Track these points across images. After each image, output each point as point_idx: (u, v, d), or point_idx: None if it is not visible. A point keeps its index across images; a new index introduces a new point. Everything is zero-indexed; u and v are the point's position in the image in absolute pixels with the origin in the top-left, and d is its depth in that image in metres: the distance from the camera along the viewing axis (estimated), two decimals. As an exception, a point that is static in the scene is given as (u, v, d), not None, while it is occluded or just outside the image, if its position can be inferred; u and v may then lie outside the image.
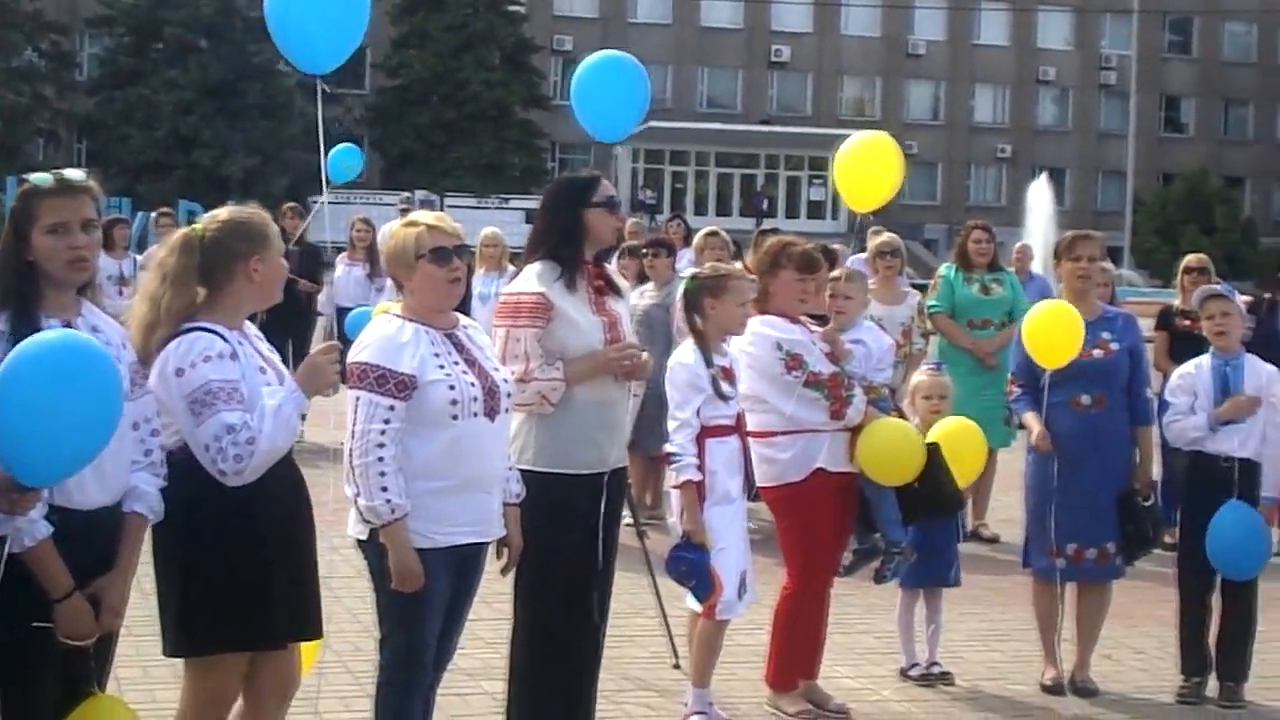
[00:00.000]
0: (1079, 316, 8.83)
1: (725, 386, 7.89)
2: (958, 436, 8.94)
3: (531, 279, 7.15)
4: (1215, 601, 9.14)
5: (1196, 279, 13.07)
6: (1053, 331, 8.83)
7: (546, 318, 7.05)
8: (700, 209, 69.01)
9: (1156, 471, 9.40)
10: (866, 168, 8.82)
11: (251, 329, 6.05)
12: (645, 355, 7.34)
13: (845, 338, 8.59)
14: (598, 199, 7.23)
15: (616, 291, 7.40)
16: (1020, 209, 65.04)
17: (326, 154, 15.09)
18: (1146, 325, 13.16)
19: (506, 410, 6.47)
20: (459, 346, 6.38)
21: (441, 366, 6.24)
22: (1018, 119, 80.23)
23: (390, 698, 6.37)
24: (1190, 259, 13.92)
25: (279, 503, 5.88)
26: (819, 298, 8.65)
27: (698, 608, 8.04)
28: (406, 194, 41.21)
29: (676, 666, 8.95)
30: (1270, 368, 9.21)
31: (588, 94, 8.49)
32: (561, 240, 7.21)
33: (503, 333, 7.09)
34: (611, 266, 7.71)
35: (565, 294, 7.11)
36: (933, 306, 13.67)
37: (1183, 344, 12.13)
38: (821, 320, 8.57)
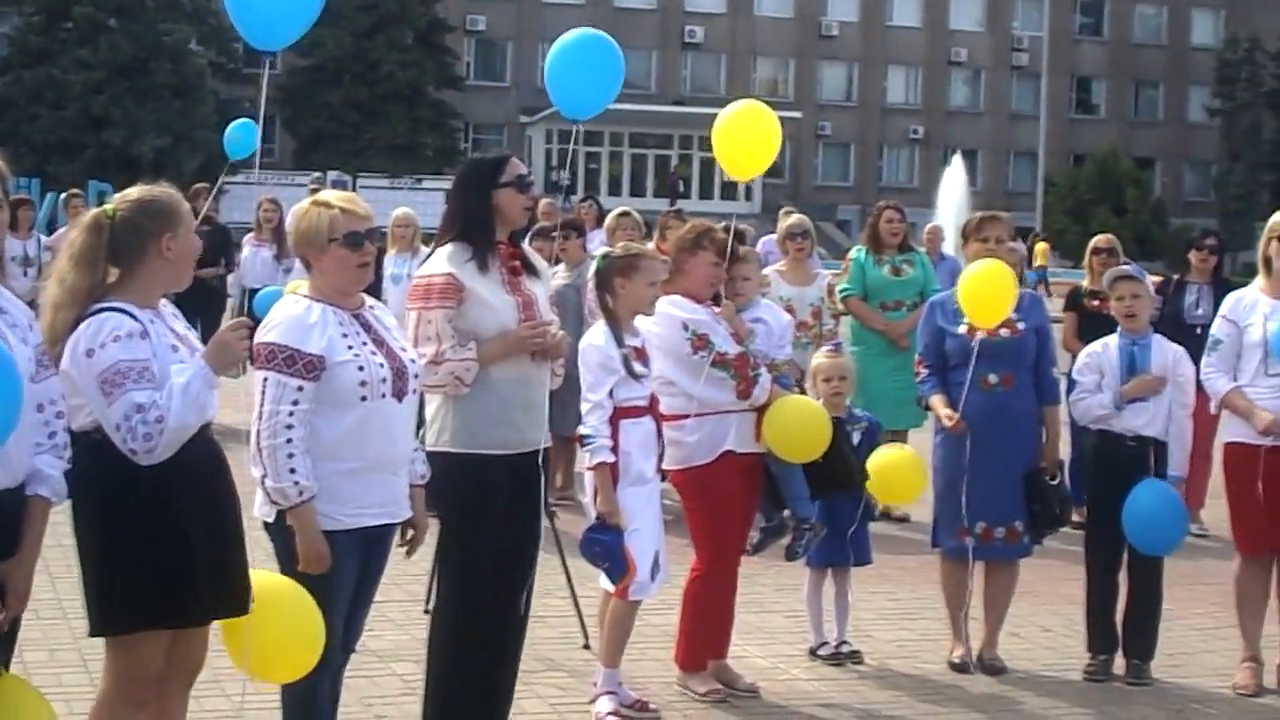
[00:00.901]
0: (1013, 276, 8.90)
1: (638, 366, 7.89)
2: (892, 470, 9.07)
3: (442, 260, 7.13)
4: (1122, 580, 9.23)
5: (1106, 260, 13.15)
6: (989, 288, 8.86)
7: (458, 299, 7.03)
8: (614, 190, 68.97)
9: (1064, 450, 9.48)
10: (744, 136, 8.86)
11: (168, 307, 6.02)
12: (560, 333, 7.33)
13: (745, 317, 8.62)
14: (507, 179, 7.21)
15: (533, 271, 7.37)
16: (932, 190, 65.37)
17: (249, 130, 15.07)
18: (1059, 304, 13.32)
19: (414, 391, 6.45)
20: (367, 327, 6.36)
21: (350, 347, 6.22)
22: (930, 100, 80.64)
23: (299, 680, 6.34)
24: (1099, 240, 14.00)
25: (199, 480, 5.84)
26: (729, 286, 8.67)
27: (610, 588, 8.05)
28: (318, 174, 41.00)
29: (587, 647, 8.96)
30: (1177, 348, 9.29)
31: (563, 71, 8.41)
32: (472, 221, 7.18)
33: (415, 315, 7.07)
34: (528, 247, 7.69)
35: (477, 275, 7.08)
36: (844, 290, 13.71)
37: (1091, 324, 12.21)
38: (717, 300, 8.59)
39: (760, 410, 8.38)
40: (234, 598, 5.97)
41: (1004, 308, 8.85)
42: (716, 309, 8.44)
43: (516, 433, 7.13)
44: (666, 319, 8.30)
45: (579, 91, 8.06)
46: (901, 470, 9.22)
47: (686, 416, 8.28)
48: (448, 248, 7.17)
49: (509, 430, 7.11)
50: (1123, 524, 8.87)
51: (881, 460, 9.11)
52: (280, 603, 6.04)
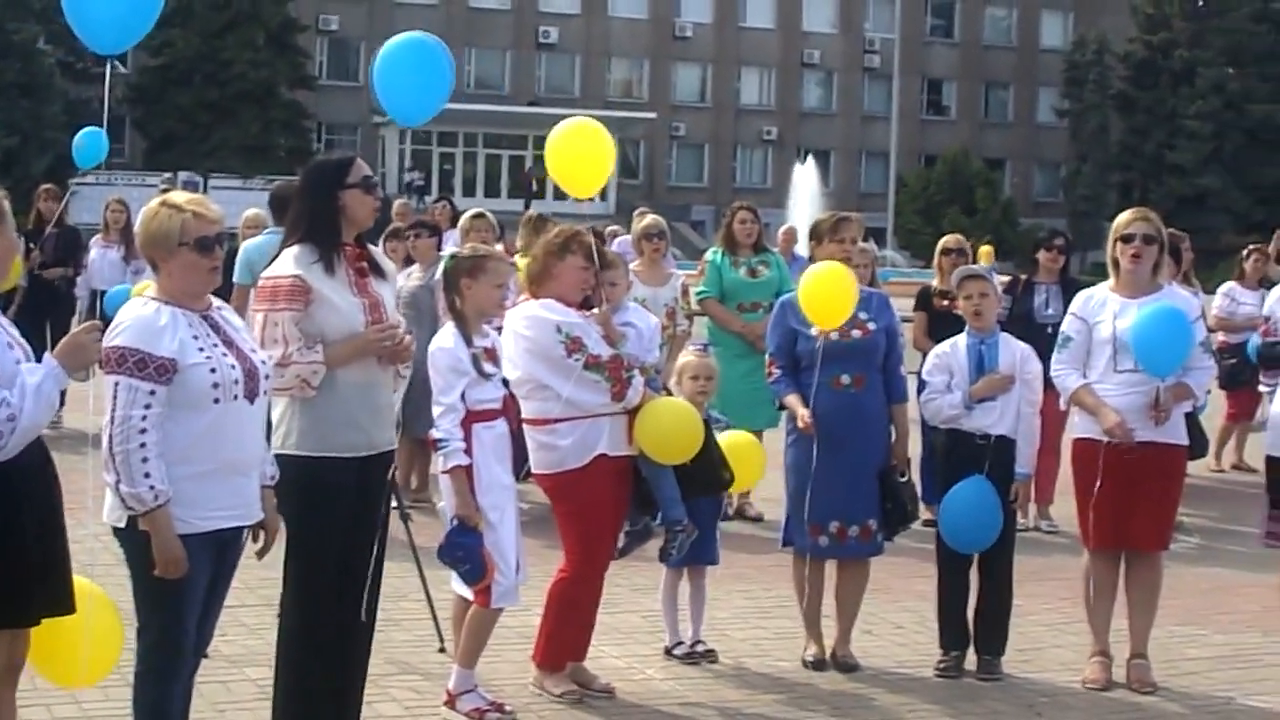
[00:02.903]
0: (853, 277, 8.97)
1: (488, 367, 7.88)
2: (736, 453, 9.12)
3: (288, 262, 7.07)
4: (973, 577, 9.33)
5: (955, 260, 13.29)
6: (829, 291, 8.92)
7: (304, 301, 6.98)
8: (469, 190, 68.84)
9: (914, 448, 9.57)
10: (577, 156, 8.90)
11: None
12: (408, 336, 7.30)
13: (615, 320, 8.62)
14: (353, 180, 7.15)
15: (380, 273, 7.34)
16: (786, 191, 65.86)
17: (92, 134, 14.83)
18: (910, 305, 13.45)
19: (265, 393, 6.42)
20: (216, 328, 6.32)
21: (201, 349, 6.17)
22: (783, 101, 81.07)
23: (150, 686, 6.29)
24: (948, 240, 14.14)
25: (31, 479, 5.83)
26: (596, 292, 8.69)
27: (466, 593, 8.04)
28: (168, 175, 40.56)
29: (442, 650, 8.93)
30: (1024, 346, 9.41)
31: (390, 76, 8.34)
32: (318, 223, 7.13)
33: (261, 317, 7.01)
34: (377, 248, 7.65)
35: (323, 277, 7.04)
36: (701, 292, 13.75)
37: (940, 324, 12.34)
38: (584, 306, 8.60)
39: (632, 413, 8.40)
40: (63, 597, 5.97)
41: (844, 310, 8.91)
42: (586, 313, 8.44)
43: (363, 436, 7.10)
44: (539, 322, 8.29)
45: (408, 97, 8.00)
46: (743, 451, 9.25)
47: (556, 420, 8.28)
48: (294, 250, 7.11)
49: (355, 433, 7.08)
50: (939, 521, 9.02)
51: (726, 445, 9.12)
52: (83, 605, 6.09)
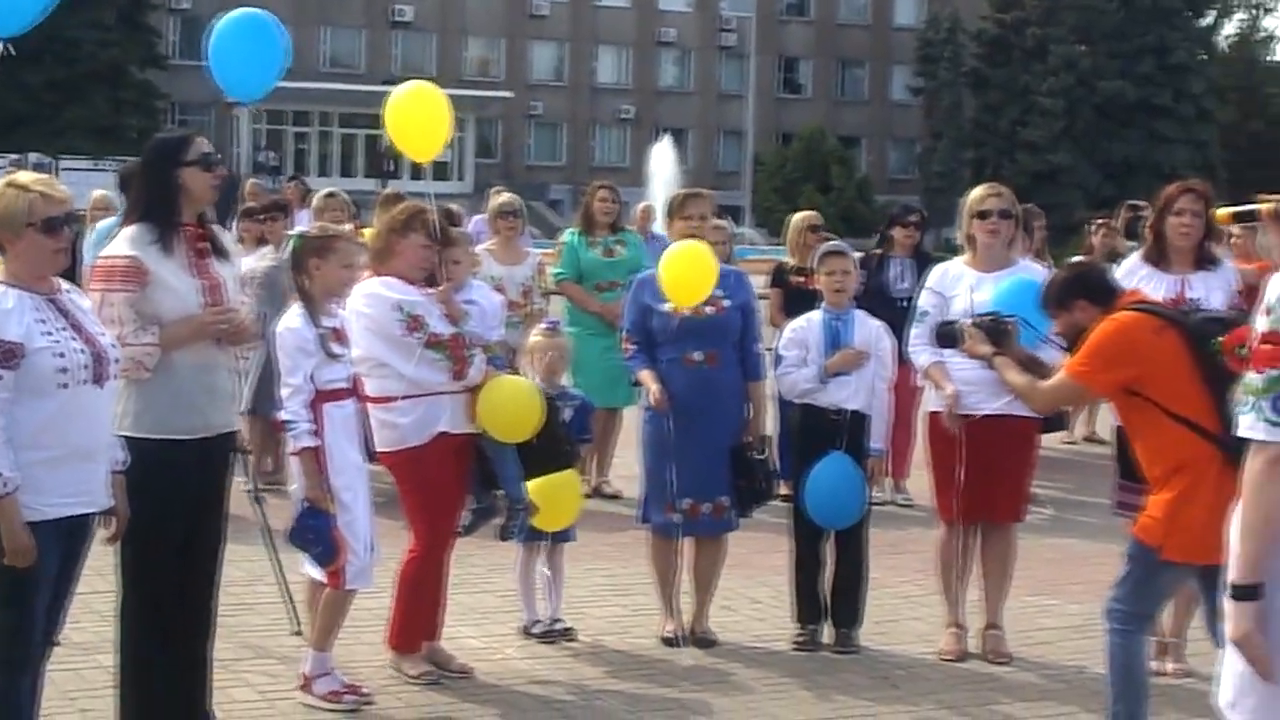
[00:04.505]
0: (713, 257, 8.97)
1: (335, 347, 7.83)
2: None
3: (124, 242, 6.99)
4: (829, 550, 9.38)
5: (823, 236, 13.33)
6: (688, 270, 8.92)
7: (140, 281, 6.89)
8: (324, 170, 68.39)
9: (770, 426, 9.61)
10: (416, 119, 8.88)
11: None
12: (247, 318, 7.24)
13: (458, 298, 8.59)
14: (192, 157, 7.06)
15: (221, 253, 7.25)
16: (644, 169, 65.88)
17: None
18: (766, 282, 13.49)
19: (114, 376, 6.32)
20: (64, 312, 6.22)
21: (49, 333, 6.07)
22: (640, 80, 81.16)
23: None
24: (810, 217, 14.22)
25: None
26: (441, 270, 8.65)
27: (319, 575, 7.98)
28: (16, 156, 39.95)
29: (297, 633, 8.85)
30: (878, 323, 9.48)
31: (224, 52, 8.25)
32: (156, 202, 7.04)
33: (98, 297, 6.90)
34: (219, 228, 7.54)
35: (160, 257, 6.95)
36: (558, 274, 13.72)
37: (795, 300, 12.40)
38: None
39: (474, 391, 8.37)
40: None
41: (704, 289, 8.93)
42: (429, 290, 8.40)
43: (200, 418, 7.04)
44: (378, 300, 8.25)
45: (241, 73, 7.91)
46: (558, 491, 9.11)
47: (397, 399, 8.24)
48: (130, 229, 7.03)
49: (193, 415, 7.01)
50: (803, 500, 9.09)
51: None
52: None
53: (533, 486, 8.73)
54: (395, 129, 8.92)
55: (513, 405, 8.44)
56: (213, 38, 7.82)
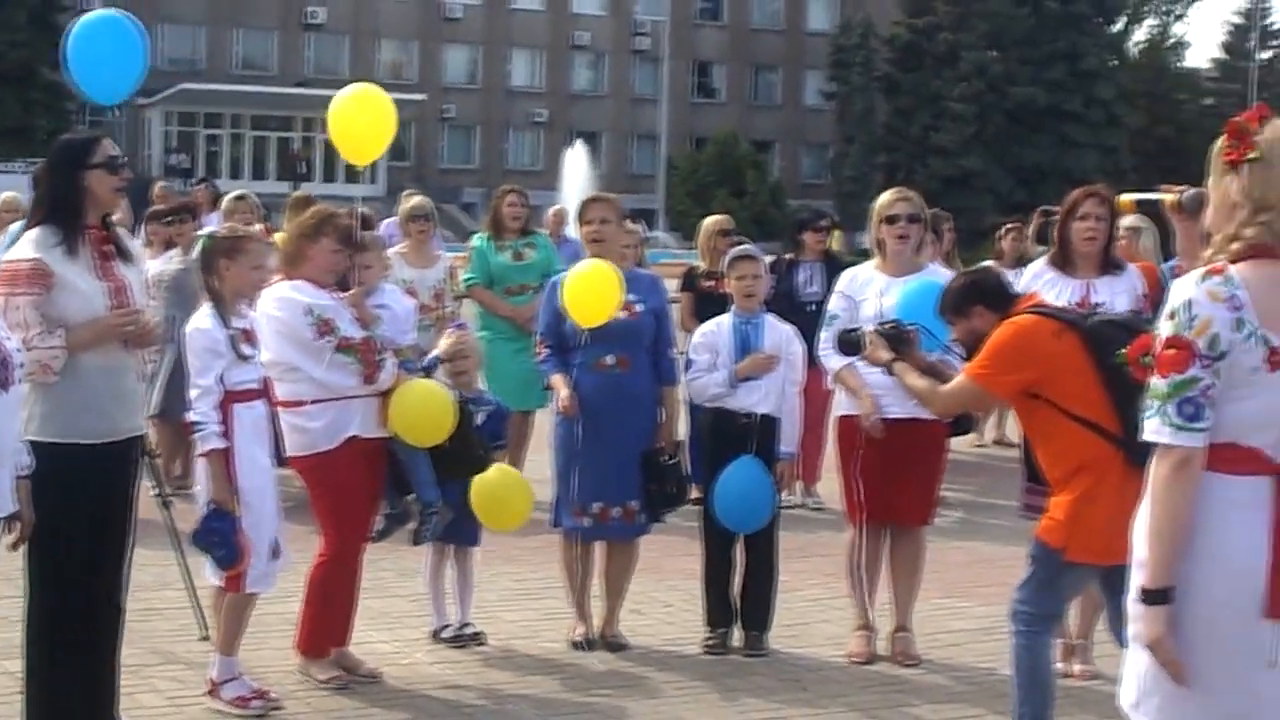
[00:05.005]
0: (617, 275, 8.96)
1: (245, 348, 7.79)
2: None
3: (28, 245, 6.93)
4: (739, 554, 9.41)
5: (734, 240, 13.37)
6: (591, 291, 8.92)
7: (44, 284, 6.83)
8: (236, 172, 68.02)
9: (682, 430, 9.63)
10: (359, 121, 8.89)
11: None
12: (152, 320, 7.19)
13: (369, 302, 8.58)
14: (97, 160, 7.01)
15: (126, 256, 7.20)
16: (557, 173, 65.91)
17: None
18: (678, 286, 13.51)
19: (19, 381, 6.27)
20: (-33, 316, 6.16)
21: (-48, 337, 6.01)
22: (554, 83, 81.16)
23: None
24: (721, 221, 14.28)
25: None
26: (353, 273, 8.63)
27: (217, 580, 7.95)
28: (-76, 158, 39.56)
29: (205, 638, 8.80)
30: (788, 327, 9.51)
31: (83, 55, 8.15)
32: (60, 204, 6.99)
33: (2, 301, 6.84)
34: (124, 231, 7.49)
35: (65, 260, 6.89)
36: (468, 279, 13.68)
37: (706, 304, 12.43)
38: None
39: (385, 395, 8.35)
40: None
41: (605, 312, 8.89)
42: (340, 294, 8.38)
43: (107, 421, 6.98)
44: (289, 304, 8.21)
45: (101, 77, 7.84)
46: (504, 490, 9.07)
47: (307, 403, 8.22)
48: (35, 232, 6.97)
49: (99, 419, 6.95)
50: (713, 504, 9.11)
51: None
52: None
53: (479, 486, 8.71)
54: (338, 131, 8.86)
55: (424, 409, 8.42)
56: (70, 41, 7.75)
